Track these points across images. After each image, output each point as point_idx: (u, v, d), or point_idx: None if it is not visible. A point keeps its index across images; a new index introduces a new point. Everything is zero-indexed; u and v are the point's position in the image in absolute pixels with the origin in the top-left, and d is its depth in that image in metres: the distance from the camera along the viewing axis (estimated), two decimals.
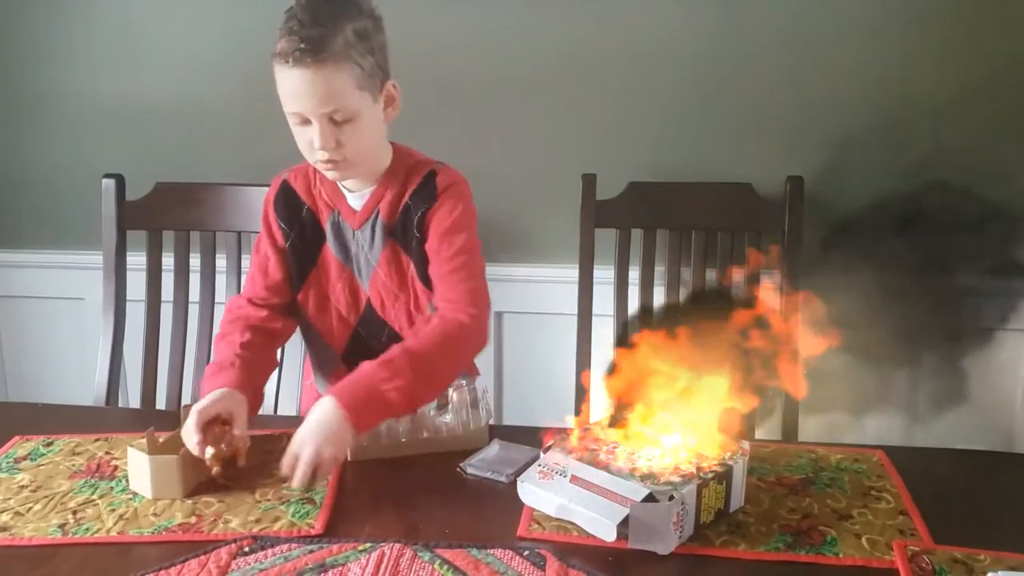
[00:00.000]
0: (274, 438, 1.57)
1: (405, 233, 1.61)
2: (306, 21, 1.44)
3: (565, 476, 1.31)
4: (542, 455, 1.37)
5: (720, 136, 2.13)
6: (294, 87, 1.46)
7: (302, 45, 1.43)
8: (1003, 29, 2.01)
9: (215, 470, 1.35)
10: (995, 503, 1.38)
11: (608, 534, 1.24)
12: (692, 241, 2.02)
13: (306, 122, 1.49)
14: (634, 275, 2.03)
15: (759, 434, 2.00)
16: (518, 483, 1.35)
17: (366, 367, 1.43)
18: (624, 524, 1.22)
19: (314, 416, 1.38)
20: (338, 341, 1.70)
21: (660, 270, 2.04)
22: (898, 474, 1.44)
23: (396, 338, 1.64)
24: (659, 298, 2.03)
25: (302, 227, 1.64)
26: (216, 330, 1.69)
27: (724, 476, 1.29)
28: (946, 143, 2.09)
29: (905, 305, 2.17)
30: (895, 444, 1.71)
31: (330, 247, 1.64)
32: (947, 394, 2.22)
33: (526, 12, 2.11)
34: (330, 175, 1.58)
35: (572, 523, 1.28)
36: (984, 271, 2.14)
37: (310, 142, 1.51)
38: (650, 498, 1.22)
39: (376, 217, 1.62)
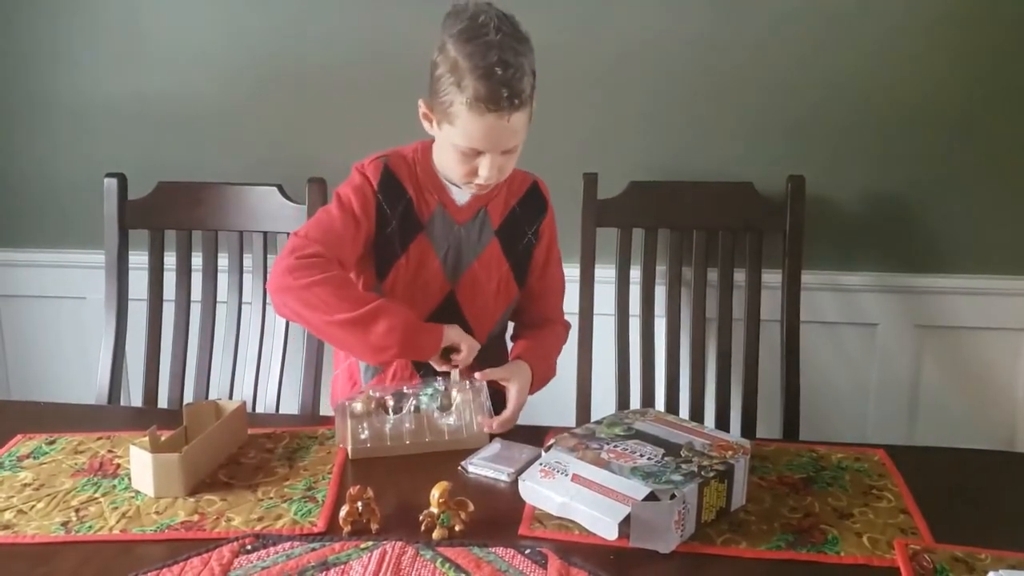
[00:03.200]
0: (276, 436, 1.58)
1: (512, 236, 1.68)
2: (504, 63, 1.42)
3: (566, 474, 1.31)
4: (543, 453, 1.38)
5: (721, 135, 2.13)
6: (487, 131, 1.46)
7: (512, 100, 1.43)
8: (1004, 29, 2.01)
9: (345, 531, 1.29)
10: (996, 502, 1.38)
11: (610, 533, 1.24)
12: (693, 240, 2.02)
13: (476, 154, 1.51)
14: (635, 274, 2.03)
15: (760, 433, 2.01)
16: (519, 481, 1.35)
17: (538, 344, 1.71)
18: (626, 523, 1.22)
19: (522, 377, 1.62)
20: None
21: (661, 269, 2.04)
22: (899, 473, 1.44)
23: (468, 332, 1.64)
24: (660, 297, 2.03)
25: (402, 215, 1.61)
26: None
27: (725, 475, 1.29)
28: (947, 141, 2.09)
29: (904, 302, 2.17)
30: (896, 443, 1.71)
31: (428, 238, 1.63)
32: (947, 393, 2.22)
33: (524, 11, 2.10)
34: (472, 190, 1.59)
35: (573, 521, 1.29)
36: (981, 269, 2.14)
37: (473, 170, 1.52)
38: (651, 497, 1.22)
39: (484, 216, 1.65)
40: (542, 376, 1.69)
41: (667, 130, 2.14)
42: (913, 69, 2.05)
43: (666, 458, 1.32)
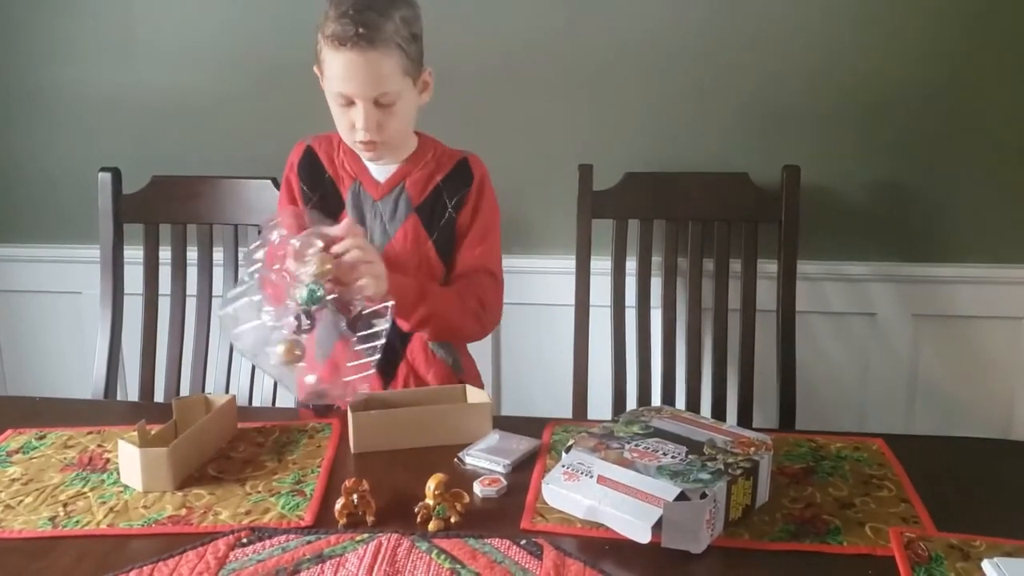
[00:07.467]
0: (266, 430, 1.56)
1: (433, 213, 1.68)
2: (361, 6, 1.50)
3: (591, 476, 1.27)
4: (564, 455, 1.33)
5: (716, 126, 2.13)
6: (345, 70, 1.52)
7: (358, 30, 1.48)
8: (1001, 17, 2.00)
9: (341, 523, 1.27)
10: (996, 491, 1.38)
11: (642, 536, 1.20)
12: (689, 231, 2.01)
13: (350, 103, 1.55)
14: (631, 265, 2.02)
15: (756, 422, 2.00)
16: (543, 485, 1.31)
17: (443, 289, 1.66)
18: (656, 524, 1.18)
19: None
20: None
21: (657, 260, 2.03)
22: (898, 462, 1.43)
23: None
24: (656, 288, 2.02)
25: (323, 193, 1.69)
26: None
27: (751, 472, 1.26)
28: (944, 130, 2.08)
29: (901, 291, 2.16)
30: (894, 432, 1.70)
31: (348, 215, 1.67)
32: (945, 381, 2.21)
33: (520, 2, 2.10)
34: (365, 155, 1.64)
35: (571, 516, 1.26)
36: (979, 258, 2.14)
37: (351, 123, 1.57)
38: (682, 496, 1.19)
39: (401, 191, 1.67)
40: (414, 301, 1.59)
41: (662, 121, 2.14)
42: (910, 57, 2.04)
43: (690, 456, 1.29)
